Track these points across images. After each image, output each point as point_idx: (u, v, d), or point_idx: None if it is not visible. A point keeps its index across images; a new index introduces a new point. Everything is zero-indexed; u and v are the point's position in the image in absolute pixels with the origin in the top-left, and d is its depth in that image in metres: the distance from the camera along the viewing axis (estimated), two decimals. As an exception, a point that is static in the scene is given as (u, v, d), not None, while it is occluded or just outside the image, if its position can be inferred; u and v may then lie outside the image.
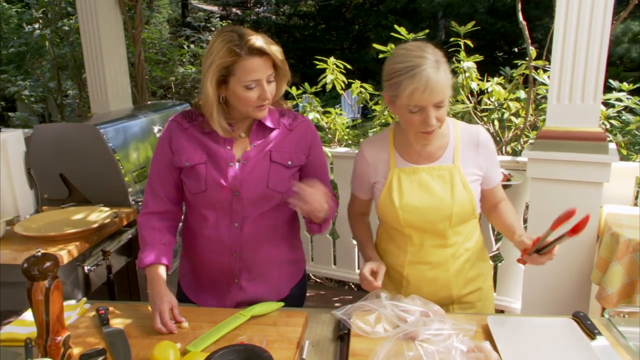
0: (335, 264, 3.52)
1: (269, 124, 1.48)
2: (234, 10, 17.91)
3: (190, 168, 1.45)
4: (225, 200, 1.44)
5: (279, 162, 1.46)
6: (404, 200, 1.43)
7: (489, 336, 1.25)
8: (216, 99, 1.37)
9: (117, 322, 1.40)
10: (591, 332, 1.25)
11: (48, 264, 1.17)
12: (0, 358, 1.25)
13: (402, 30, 3.27)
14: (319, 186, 1.34)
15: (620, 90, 3.28)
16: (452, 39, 3.31)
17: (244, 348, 1.12)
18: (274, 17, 17.68)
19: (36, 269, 1.16)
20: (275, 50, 1.36)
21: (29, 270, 1.16)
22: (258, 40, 1.32)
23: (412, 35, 3.31)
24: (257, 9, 18.52)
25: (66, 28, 4.92)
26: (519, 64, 3.31)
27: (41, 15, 5.01)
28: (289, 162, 1.48)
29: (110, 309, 1.47)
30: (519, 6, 3.14)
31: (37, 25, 5.00)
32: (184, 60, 5.50)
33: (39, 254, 1.18)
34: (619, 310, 1.40)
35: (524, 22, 3.11)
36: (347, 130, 4.00)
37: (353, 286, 3.67)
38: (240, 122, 1.47)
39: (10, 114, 6.08)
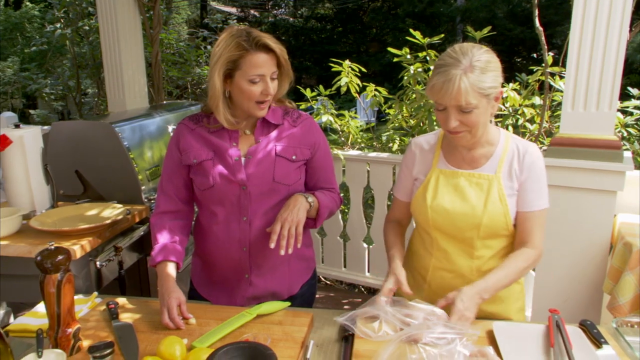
0: (345, 266, 3.52)
1: (272, 120, 1.52)
2: (251, 12, 18.03)
3: (198, 165, 1.49)
4: (233, 195, 1.48)
5: (284, 156, 1.50)
6: (436, 200, 1.43)
7: (493, 342, 1.25)
8: (222, 92, 1.42)
9: (126, 317, 1.43)
10: (597, 340, 1.24)
11: (60, 257, 1.20)
12: (13, 348, 1.28)
13: (417, 34, 3.27)
14: (283, 219, 1.40)
15: (639, 98, 3.24)
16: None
17: (248, 346, 1.14)
18: (291, 19, 17.76)
19: (49, 261, 1.19)
20: (281, 49, 1.42)
21: (42, 263, 1.19)
22: (265, 37, 1.38)
23: (427, 40, 3.30)
24: (274, 11, 18.62)
25: (87, 28, 5.02)
26: (534, 70, 3.29)
27: (62, 15, 5.11)
28: (294, 157, 1.52)
29: (121, 303, 1.49)
30: (536, 12, 3.12)
31: (58, 25, 5.11)
32: (201, 61, 5.56)
33: (52, 247, 1.21)
34: (627, 320, 1.39)
35: (541, 28, 3.09)
36: (361, 133, 4.01)
37: (363, 289, 3.67)
38: (246, 121, 1.51)
39: (31, 111, 6.21)
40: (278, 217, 1.41)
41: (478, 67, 1.26)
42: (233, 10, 17.51)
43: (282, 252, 1.37)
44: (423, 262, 1.52)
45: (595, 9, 2.12)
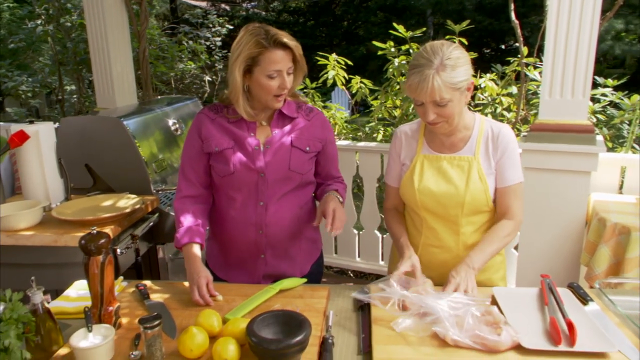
0: (336, 252, 3.66)
1: (288, 113, 1.63)
2: (222, 6, 17.87)
3: (219, 153, 1.60)
4: (252, 182, 1.59)
5: (299, 147, 1.62)
6: (423, 183, 1.57)
7: (495, 304, 1.40)
8: (242, 86, 1.53)
9: (156, 297, 1.52)
10: (584, 299, 1.41)
11: (102, 240, 1.30)
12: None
13: (401, 28, 3.42)
14: (333, 207, 1.55)
15: (606, 86, 3.47)
16: (447, 37, 3.47)
17: (282, 313, 1.26)
18: (263, 13, 17.70)
19: (92, 245, 1.28)
20: (296, 45, 1.53)
21: (86, 246, 1.28)
22: (282, 35, 1.49)
23: (409, 33, 3.46)
24: (245, 5, 18.50)
25: (68, 24, 4.97)
26: (511, 61, 3.48)
27: (43, 12, 5.05)
28: (307, 148, 1.64)
29: (147, 286, 1.59)
30: (512, 7, 3.31)
31: (39, 22, 5.04)
32: (182, 56, 5.58)
33: (95, 231, 1.31)
34: (607, 282, 1.57)
35: (517, 22, 3.28)
36: (346, 124, 4.15)
37: (351, 274, 3.82)
38: (263, 112, 1.62)
39: (8, 109, 6.12)
40: (328, 205, 1.55)
41: (449, 65, 1.41)
42: (203, 4, 17.30)
43: (335, 233, 1.50)
44: (414, 240, 1.66)
45: (568, 5, 2.31)
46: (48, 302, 1.28)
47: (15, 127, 1.88)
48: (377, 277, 3.60)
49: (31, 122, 1.99)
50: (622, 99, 3.41)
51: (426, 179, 1.58)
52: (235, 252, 1.70)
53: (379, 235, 3.46)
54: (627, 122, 3.50)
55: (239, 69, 1.50)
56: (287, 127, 1.63)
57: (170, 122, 2.64)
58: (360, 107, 6.37)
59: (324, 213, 1.55)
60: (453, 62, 1.42)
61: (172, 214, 2.26)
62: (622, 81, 3.55)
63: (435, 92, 1.40)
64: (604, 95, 3.46)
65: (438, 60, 1.41)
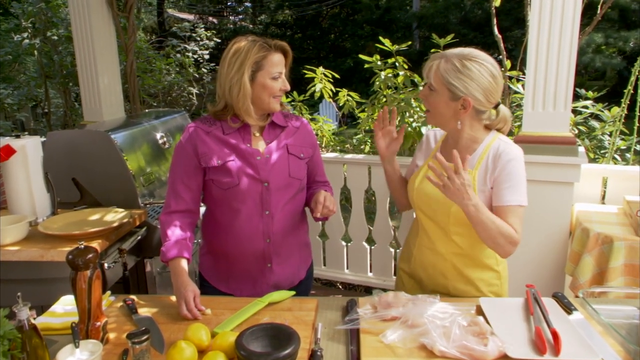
0: (325, 264, 3.66)
1: (278, 122, 1.68)
2: (210, 19, 17.96)
3: (221, 166, 1.60)
4: (256, 191, 1.61)
5: (294, 154, 1.67)
6: (422, 185, 1.64)
7: (481, 315, 1.42)
8: (251, 92, 1.56)
9: (144, 311, 1.52)
10: (568, 308, 1.44)
11: (90, 255, 1.30)
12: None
13: (387, 41, 3.47)
14: (324, 194, 1.61)
15: (587, 99, 3.55)
16: (433, 50, 3.53)
17: (271, 326, 1.27)
18: (251, 26, 17.84)
19: (80, 259, 1.28)
20: (290, 53, 1.62)
21: (74, 261, 1.28)
22: (279, 41, 1.60)
23: (395, 47, 3.52)
24: (233, 18, 18.62)
25: (55, 38, 4.96)
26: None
27: (30, 25, 5.03)
28: (302, 155, 1.69)
29: (135, 300, 1.58)
30: (494, 21, 3.38)
31: (25, 35, 5.03)
32: (170, 69, 5.59)
33: (82, 246, 1.31)
34: (591, 291, 1.60)
35: (499, 36, 3.35)
36: (333, 136, 4.19)
37: (340, 286, 3.82)
38: (254, 125, 1.65)
39: (-6, 122, 6.06)
40: (320, 193, 1.61)
41: (456, 64, 1.48)
42: (190, 17, 17.38)
43: (326, 212, 1.57)
44: (413, 239, 1.76)
45: (549, 21, 2.37)
46: (34, 318, 1.27)
47: (1, 142, 1.88)
48: (365, 288, 3.61)
49: (17, 136, 1.98)
50: (602, 111, 3.49)
51: (426, 182, 1.62)
52: (241, 264, 1.70)
53: (367, 247, 3.47)
54: (608, 134, 3.57)
55: (247, 74, 1.54)
56: (280, 136, 1.68)
57: (158, 135, 2.65)
58: (348, 119, 6.44)
59: (317, 200, 1.59)
60: (460, 65, 1.48)
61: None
62: (602, 93, 3.64)
63: (429, 72, 1.53)
64: (585, 107, 3.53)
65: (453, 55, 1.50)
